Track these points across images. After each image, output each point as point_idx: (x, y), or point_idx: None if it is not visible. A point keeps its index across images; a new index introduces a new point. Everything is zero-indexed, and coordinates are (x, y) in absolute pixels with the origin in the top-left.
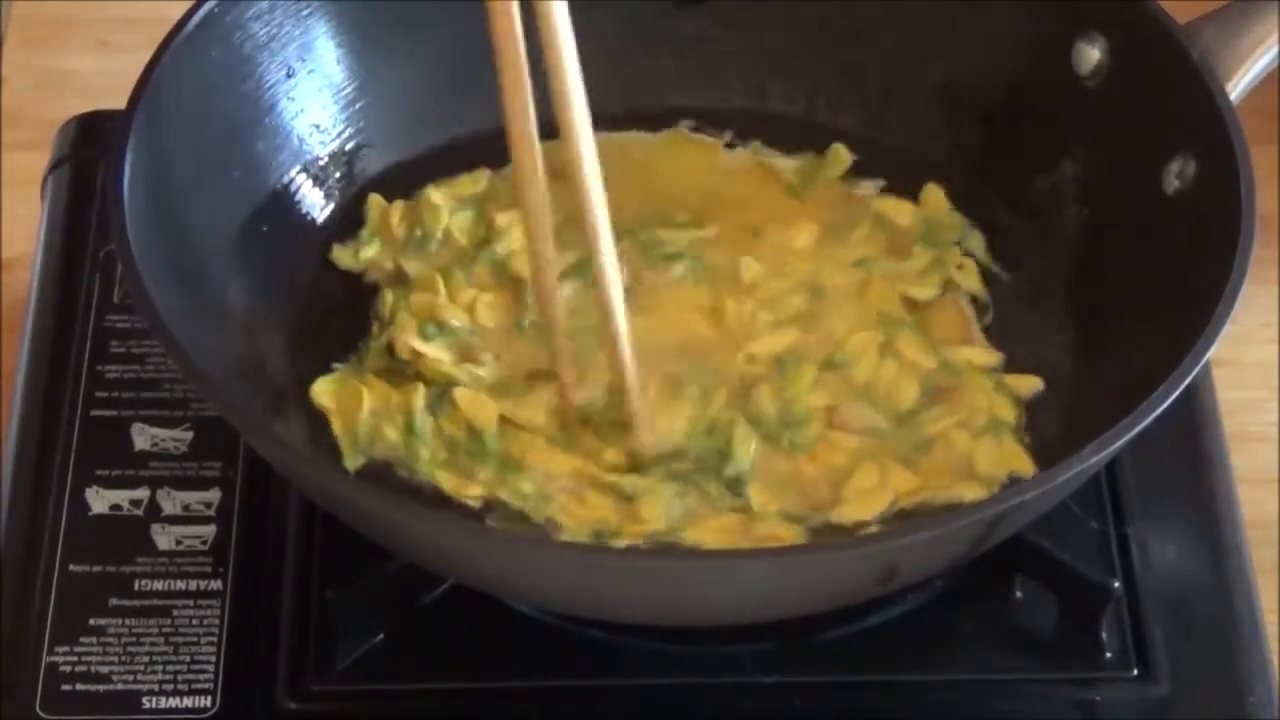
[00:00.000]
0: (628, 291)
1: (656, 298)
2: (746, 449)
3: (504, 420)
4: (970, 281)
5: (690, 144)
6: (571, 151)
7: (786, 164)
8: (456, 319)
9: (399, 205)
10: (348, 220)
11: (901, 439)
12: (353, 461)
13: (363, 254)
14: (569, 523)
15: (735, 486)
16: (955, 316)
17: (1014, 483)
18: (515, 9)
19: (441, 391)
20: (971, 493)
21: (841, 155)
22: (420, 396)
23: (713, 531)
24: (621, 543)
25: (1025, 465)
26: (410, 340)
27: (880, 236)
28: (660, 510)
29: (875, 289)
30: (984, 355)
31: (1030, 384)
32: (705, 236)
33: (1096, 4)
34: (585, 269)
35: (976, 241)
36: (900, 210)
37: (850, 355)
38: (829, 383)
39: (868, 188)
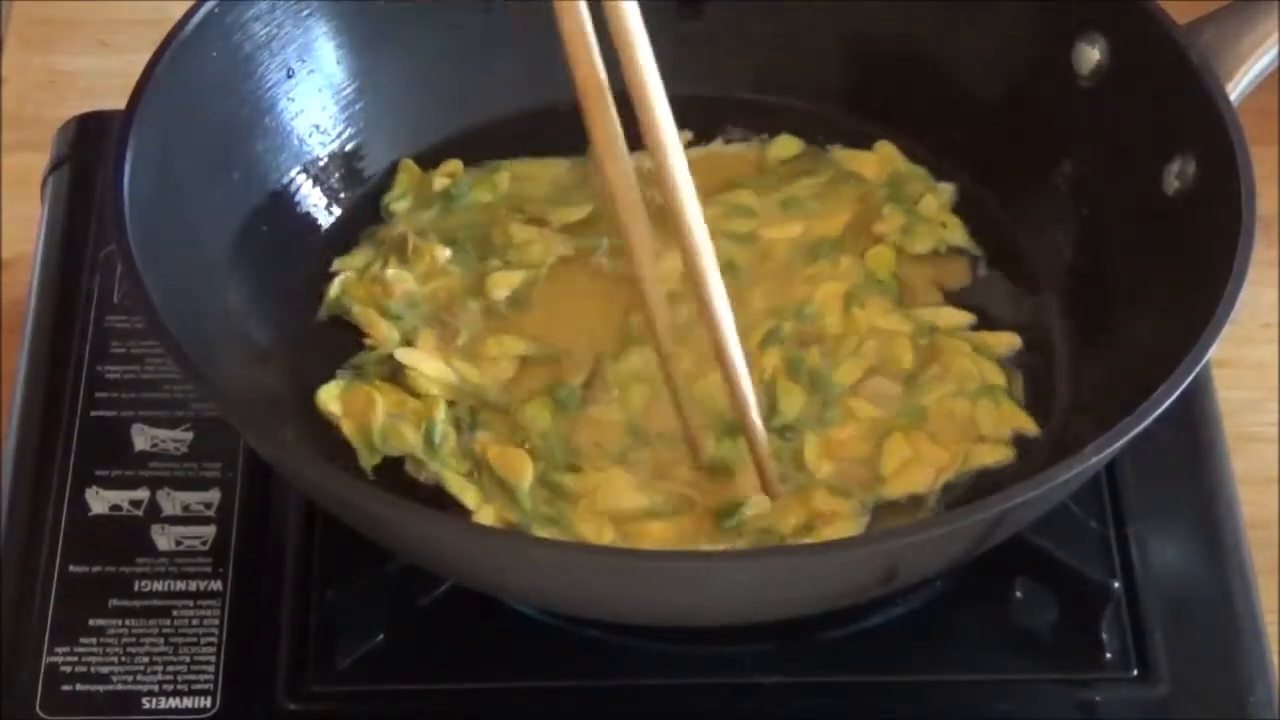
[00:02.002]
0: None
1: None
2: (790, 400)
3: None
4: (956, 237)
5: None
6: (656, 150)
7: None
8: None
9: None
10: (348, 221)
11: (907, 409)
12: (369, 460)
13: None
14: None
15: (785, 434)
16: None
17: (1020, 440)
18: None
19: (469, 410)
20: (992, 456)
21: (789, 143)
22: (442, 409)
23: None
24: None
25: (1027, 423)
26: (374, 322)
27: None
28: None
29: (875, 252)
30: (952, 316)
31: (1007, 340)
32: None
33: (1096, 4)
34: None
35: (946, 195)
36: (864, 162)
37: (817, 308)
38: (858, 358)
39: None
